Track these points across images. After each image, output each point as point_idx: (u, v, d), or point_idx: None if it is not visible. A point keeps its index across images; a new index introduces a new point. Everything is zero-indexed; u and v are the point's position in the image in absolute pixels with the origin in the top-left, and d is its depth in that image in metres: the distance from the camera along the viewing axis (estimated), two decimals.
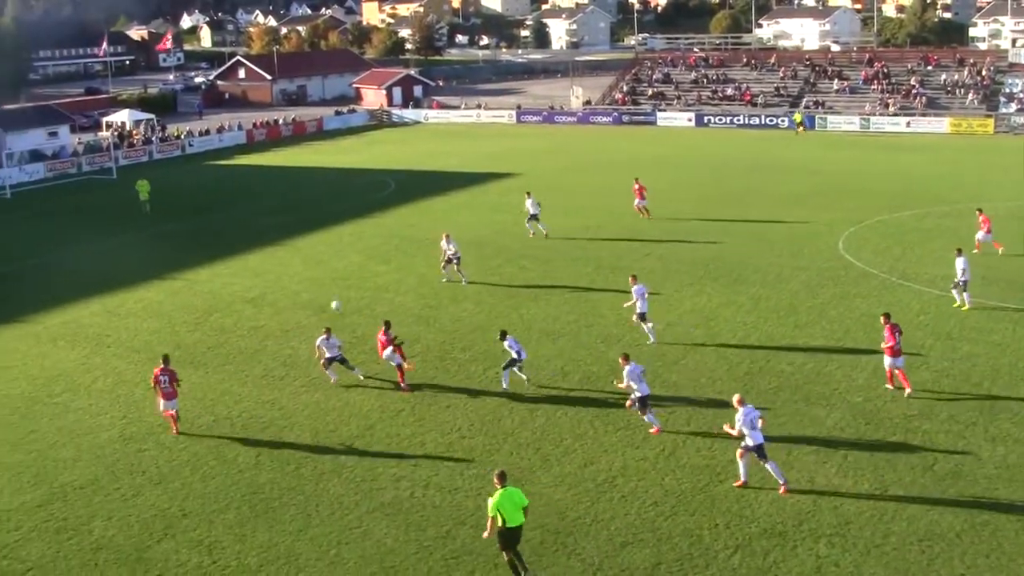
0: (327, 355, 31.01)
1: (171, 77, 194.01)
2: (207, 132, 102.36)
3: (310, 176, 76.65)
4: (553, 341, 34.25)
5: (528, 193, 52.65)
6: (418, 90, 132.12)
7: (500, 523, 19.51)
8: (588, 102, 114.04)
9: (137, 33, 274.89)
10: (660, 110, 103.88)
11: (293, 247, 51.23)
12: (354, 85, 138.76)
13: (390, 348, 30.55)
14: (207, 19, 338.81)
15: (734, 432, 23.62)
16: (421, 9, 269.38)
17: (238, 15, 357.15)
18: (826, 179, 65.67)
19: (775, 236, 49.29)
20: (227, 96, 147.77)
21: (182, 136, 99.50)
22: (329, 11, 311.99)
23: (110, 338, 37.02)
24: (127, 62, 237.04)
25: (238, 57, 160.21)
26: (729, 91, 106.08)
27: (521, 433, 26.96)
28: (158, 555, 21.67)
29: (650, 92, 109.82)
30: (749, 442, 23.29)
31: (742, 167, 71.75)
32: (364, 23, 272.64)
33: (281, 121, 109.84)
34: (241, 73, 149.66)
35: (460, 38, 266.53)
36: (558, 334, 34.97)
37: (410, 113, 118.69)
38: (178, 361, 33.62)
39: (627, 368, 26.54)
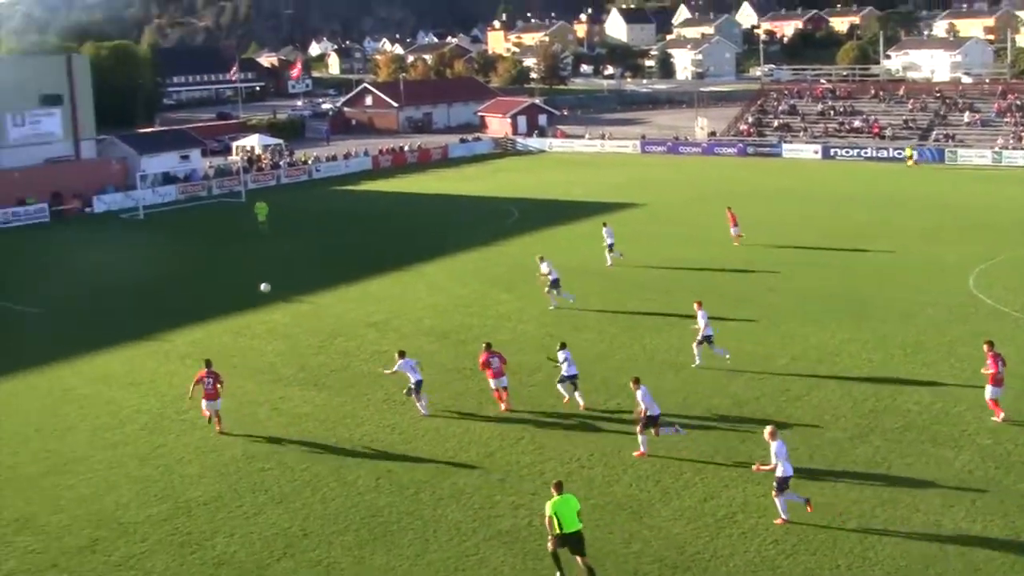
0: (412, 379, 31.22)
1: (299, 103, 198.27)
2: (334, 158, 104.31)
3: (434, 203, 77.57)
4: (675, 373, 34.07)
5: (604, 224, 53.28)
6: (542, 119, 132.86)
7: (557, 529, 20.61)
8: (713, 133, 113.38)
9: (267, 60, 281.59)
10: (786, 142, 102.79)
11: (417, 273, 51.85)
12: (479, 113, 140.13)
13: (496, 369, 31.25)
14: (335, 47, 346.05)
15: (768, 468, 23.62)
16: (547, 39, 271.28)
17: (366, 43, 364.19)
18: (956, 214, 64.26)
19: (902, 271, 48.37)
20: (354, 123, 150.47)
21: (309, 161, 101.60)
22: (455, 40, 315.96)
23: (236, 359, 37.88)
24: (257, 88, 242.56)
25: (365, 84, 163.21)
26: (856, 123, 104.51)
27: (641, 465, 26.86)
28: (278, 573, 22.09)
29: (776, 124, 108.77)
30: (779, 473, 23.14)
31: (869, 200, 70.57)
32: (490, 52, 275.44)
33: (407, 148, 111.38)
34: (368, 100, 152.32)
35: (585, 68, 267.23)
36: (680, 366, 34.77)
37: (534, 142, 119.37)
38: (302, 383, 34.40)
39: (639, 391, 27.28)
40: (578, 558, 20.85)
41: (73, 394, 34.75)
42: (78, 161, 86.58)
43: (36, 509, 25.74)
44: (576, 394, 31.27)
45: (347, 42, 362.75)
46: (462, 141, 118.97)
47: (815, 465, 26.42)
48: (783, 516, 23.33)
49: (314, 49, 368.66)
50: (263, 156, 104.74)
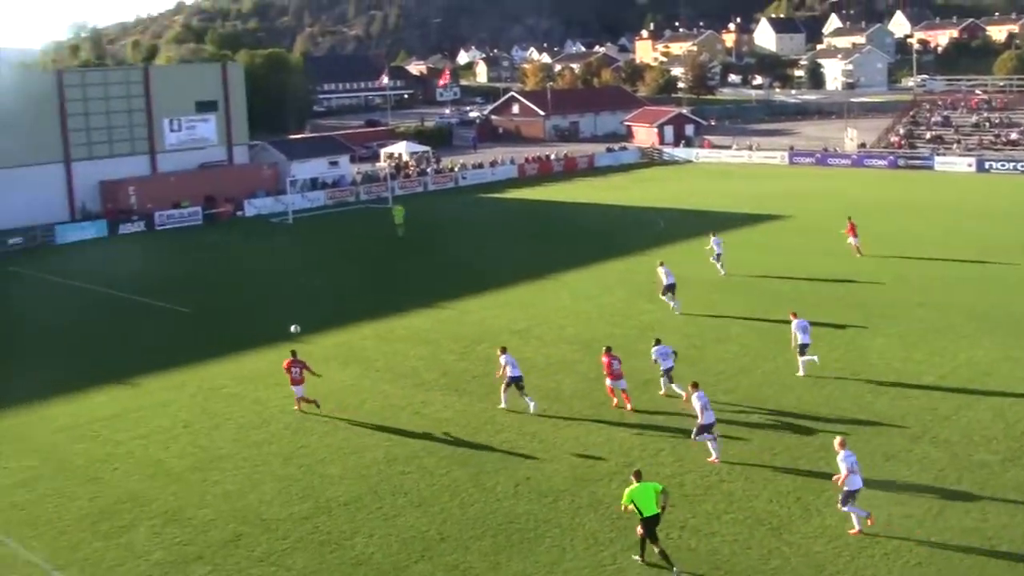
0: (509, 374, 32.22)
1: (447, 111, 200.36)
2: (480, 165, 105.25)
3: (580, 212, 77.70)
4: (820, 388, 33.49)
5: (713, 234, 53.53)
6: (689, 129, 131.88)
7: (638, 513, 22.03)
8: (863, 145, 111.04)
9: (416, 68, 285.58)
10: (938, 154, 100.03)
11: (561, 281, 52.00)
12: (625, 123, 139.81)
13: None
14: (483, 55, 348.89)
15: (841, 478, 23.44)
16: (695, 48, 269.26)
17: (513, 51, 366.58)
18: None
19: None
20: (500, 130, 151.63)
21: (456, 169, 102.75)
22: (603, 49, 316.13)
23: (379, 362, 38.52)
24: (406, 96, 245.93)
25: (512, 93, 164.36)
26: (1014, 135, 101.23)
27: (782, 481, 26.48)
28: (414, 575, 22.40)
29: (928, 136, 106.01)
30: (847, 488, 23.23)
31: None
32: (637, 61, 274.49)
33: (553, 156, 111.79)
34: (515, 108, 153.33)
35: (733, 77, 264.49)
36: (824, 380, 34.16)
37: (681, 152, 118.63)
38: (443, 388, 34.85)
39: (695, 395, 28.20)
40: (655, 546, 22.06)
41: (221, 392, 35.79)
42: (231, 166, 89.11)
43: (183, 503, 26.60)
44: (673, 386, 32.78)
45: (495, 51, 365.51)
46: (608, 150, 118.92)
47: (963, 487, 25.68)
48: (856, 527, 23.43)
49: (462, 58, 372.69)
50: (410, 163, 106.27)
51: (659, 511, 21.91)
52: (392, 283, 53.32)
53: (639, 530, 22.15)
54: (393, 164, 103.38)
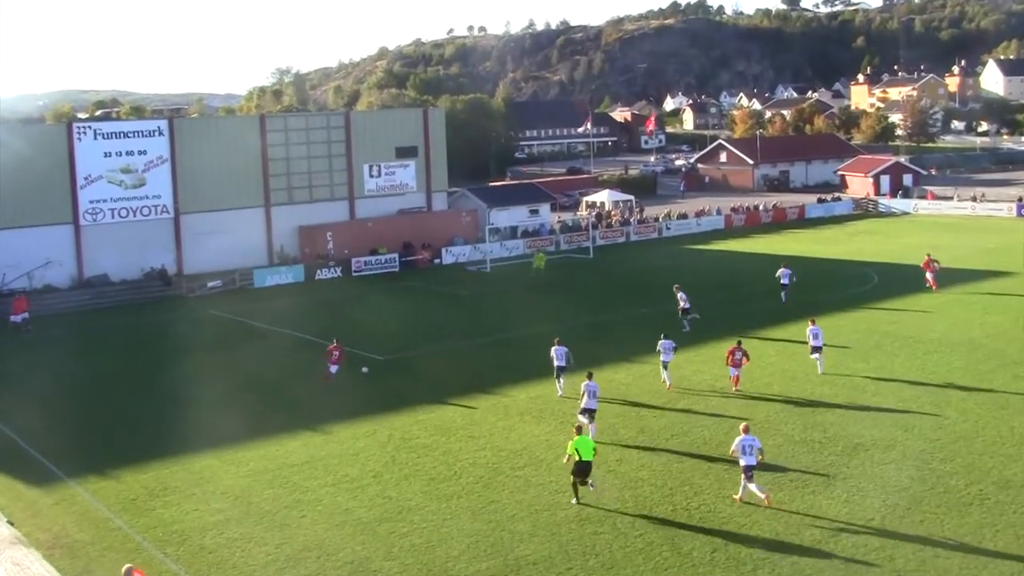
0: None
1: (652, 159, 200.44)
2: (684, 216, 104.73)
3: (789, 265, 76.33)
4: None
5: (784, 265, 58.80)
6: (908, 179, 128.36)
7: (577, 457, 29.85)
8: None
9: (620, 115, 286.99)
10: None
11: (767, 337, 51.08)
12: (839, 172, 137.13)
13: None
14: (690, 101, 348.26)
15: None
16: (914, 93, 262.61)
17: (722, 97, 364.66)
18: None
19: None
20: (707, 179, 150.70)
21: (660, 219, 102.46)
22: (815, 94, 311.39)
23: (575, 418, 38.38)
24: (609, 143, 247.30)
25: (720, 140, 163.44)
26: None
27: (1002, 565, 25.20)
28: None
29: None
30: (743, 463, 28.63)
31: None
32: (852, 107, 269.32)
33: (761, 207, 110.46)
34: (722, 156, 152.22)
35: (956, 124, 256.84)
36: None
37: (898, 203, 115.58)
38: (640, 445, 34.50)
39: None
40: (589, 482, 30.16)
41: (413, 443, 36.27)
42: (429, 213, 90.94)
43: (370, 553, 26.97)
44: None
45: (702, 96, 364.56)
46: (820, 201, 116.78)
47: None
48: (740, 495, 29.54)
49: (668, 104, 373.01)
50: (613, 212, 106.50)
51: (591, 459, 29.90)
52: (590, 335, 53.25)
53: (572, 476, 30.11)
54: (595, 213, 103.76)
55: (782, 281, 59.58)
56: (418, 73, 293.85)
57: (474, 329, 56.89)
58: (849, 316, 55.84)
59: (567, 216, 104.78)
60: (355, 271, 79.77)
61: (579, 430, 31.59)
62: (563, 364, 41.24)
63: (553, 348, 41.82)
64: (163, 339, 58.76)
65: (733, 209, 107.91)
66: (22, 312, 62.09)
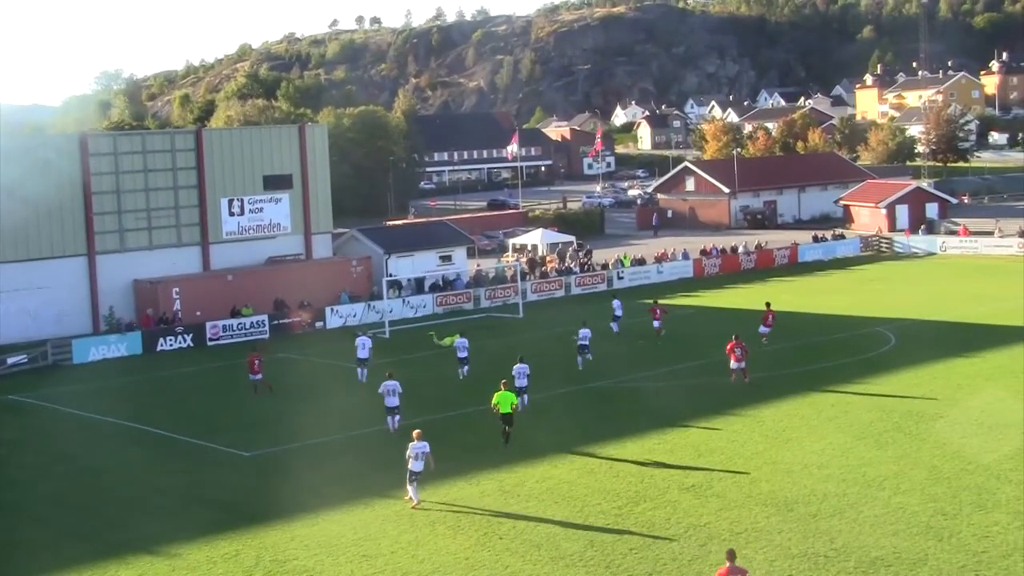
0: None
1: (598, 189, 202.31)
2: (641, 261, 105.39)
3: (778, 323, 76.90)
4: None
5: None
6: (932, 209, 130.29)
7: (497, 411, 47.46)
8: None
9: (557, 131, 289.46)
10: None
11: (752, 418, 51.38)
12: (842, 202, 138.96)
13: None
14: (646, 113, 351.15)
15: None
16: (940, 97, 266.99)
17: (688, 107, 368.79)
18: None
19: None
20: (670, 214, 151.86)
21: (609, 266, 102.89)
22: (810, 101, 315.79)
23: (504, 527, 38.22)
24: (543, 168, 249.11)
25: (686, 163, 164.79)
26: None
27: None
28: None
29: None
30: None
31: None
32: (858, 117, 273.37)
33: (741, 249, 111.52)
34: (689, 184, 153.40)
35: (996, 136, 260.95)
36: None
37: (920, 241, 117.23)
38: (589, 563, 34.40)
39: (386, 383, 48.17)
40: (507, 428, 47.73)
41: (288, 567, 35.80)
42: (309, 261, 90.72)
43: None
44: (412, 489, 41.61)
45: (663, 107, 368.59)
46: (817, 239, 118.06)
47: None
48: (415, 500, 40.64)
49: (618, 117, 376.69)
50: (549, 258, 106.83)
51: (511, 412, 47.61)
52: (527, 423, 53.17)
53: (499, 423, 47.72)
54: (525, 260, 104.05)
55: (616, 313, 74.09)
56: (292, 79, 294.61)
57: (370, 415, 56.47)
58: (859, 389, 56.27)
59: (489, 263, 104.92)
60: (211, 339, 79.20)
61: (506, 384, 48.85)
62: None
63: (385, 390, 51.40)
64: None
65: (704, 252, 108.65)
66: None
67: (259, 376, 61.28)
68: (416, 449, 41.03)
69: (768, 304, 71.12)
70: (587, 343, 65.12)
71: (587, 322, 67.19)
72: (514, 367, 53.83)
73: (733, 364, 57.21)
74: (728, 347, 57.53)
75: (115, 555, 37.67)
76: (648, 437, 48.99)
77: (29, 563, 37.28)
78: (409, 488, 41.25)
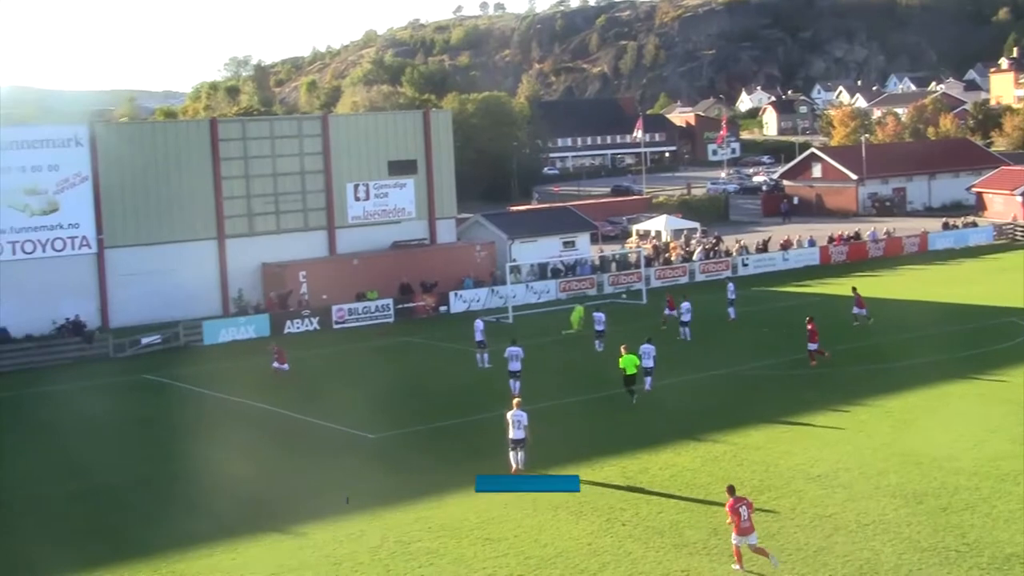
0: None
1: (723, 175, 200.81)
2: (764, 248, 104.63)
3: (906, 313, 76.10)
4: None
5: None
6: None
7: (624, 372, 52.34)
8: None
9: (681, 117, 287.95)
10: None
11: (880, 408, 50.87)
12: (974, 189, 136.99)
13: None
14: (772, 99, 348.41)
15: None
16: None
17: (815, 93, 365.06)
18: None
19: None
20: (795, 200, 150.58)
21: (734, 252, 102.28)
22: (941, 86, 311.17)
23: (626, 513, 38.21)
24: (667, 154, 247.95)
25: (813, 149, 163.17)
26: None
27: None
28: None
29: None
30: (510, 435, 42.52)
31: None
32: (992, 102, 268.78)
33: (868, 236, 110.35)
34: (816, 170, 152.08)
35: None
36: None
37: None
38: (713, 552, 34.24)
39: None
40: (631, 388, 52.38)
41: (412, 548, 36.03)
42: (433, 246, 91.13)
43: None
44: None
45: (789, 92, 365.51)
46: (948, 227, 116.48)
47: None
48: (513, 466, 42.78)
49: (744, 102, 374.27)
50: (673, 244, 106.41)
51: (635, 372, 52.75)
52: (642, 407, 53.12)
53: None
54: (649, 246, 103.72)
55: (730, 296, 76.41)
56: (416, 65, 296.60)
57: (491, 399, 56.66)
58: (991, 381, 55.50)
59: (612, 249, 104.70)
60: (336, 322, 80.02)
61: (627, 348, 53.23)
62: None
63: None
64: (80, 414, 58.64)
65: (831, 239, 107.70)
66: None
67: (283, 366, 62.28)
68: (515, 417, 43.13)
69: (855, 288, 73.34)
70: (690, 317, 69.61)
71: (688, 295, 73.24)
72: (641, 347, 54.86)
73: (811, 346, 60.34)
74: (810, 328, 60.56)
75: (244, 532, 38.20)
76: (772, 426, 48.80)
77: (159, 537, 37.85)
78: (510, 455, 43.28)
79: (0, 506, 42.71)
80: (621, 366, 52.62)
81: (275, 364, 61.89)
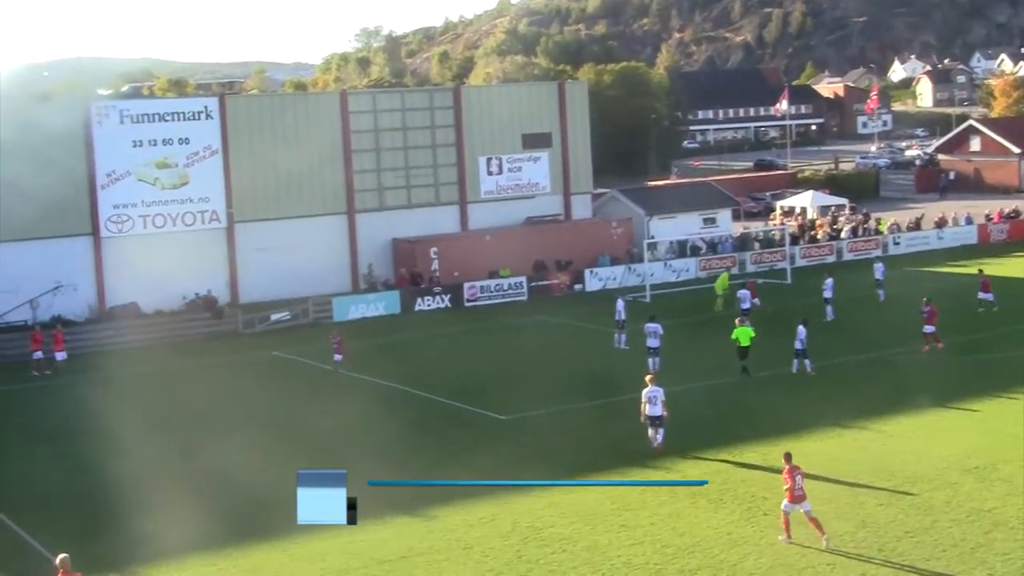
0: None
1: (873, 149, 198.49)
2: (917, 226, 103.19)
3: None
4: None
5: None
6: None
7: (738, 344, 53.90)
8: None
9: (829, 88, 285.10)
10: None
11: None
12: None
13: None
14: (927, 68, 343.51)
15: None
16: None
17: (974, 61, 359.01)
18: None
19: None
20: (952, 176, 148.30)
21: (884, 231, 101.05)
22: None
23: (768, 502, 37.89)
24: (813, 127, 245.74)
25: (971, 121, 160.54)
26: None
27: None
28: None
29: None
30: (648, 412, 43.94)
31: None
32: None
33: None
34: (974, 144, 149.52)
35: None
36: None
37: None
38: (862, 545, 33.83)
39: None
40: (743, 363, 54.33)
41: (545, 534, 36.06)
42: (568, 222, 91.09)
43: None
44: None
45: (945, 61, 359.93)
46: None
47: None
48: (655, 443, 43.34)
49: (896, 72, 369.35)
50: (820, 222, 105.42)
51: (749, 345, 53.97)
52: (795, 393, 52.74)
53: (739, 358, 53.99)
54: (795, 223, 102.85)
55: (877, 277, 75.82)
56: (551, 35, 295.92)
57: (628, 380, 56.50)
58: None
59: (756, 226, 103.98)
60: (468, 300, 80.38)
61: (742, 321, 55.80)
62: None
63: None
64: (212, 390, 59.35)
65: (989, 217, 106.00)
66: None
67: (337, 357, 60.51)
68: (650, 394, 43.74)
69: (981, 270, 73.82)
70: (831, 294, 69.82)
71: (831, 272, 74.65)
72: (799, 328, 55.31)
73: (927, 328, 59.26)
74: (928, 310, 59.41)
75: (373, 514, 38.30)
76: (924, 413, 48.10)
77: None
78: (650, 431, 43.90)
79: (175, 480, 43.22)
80: (734, 337, 54.42)
81: (336, 356, 60.53)
